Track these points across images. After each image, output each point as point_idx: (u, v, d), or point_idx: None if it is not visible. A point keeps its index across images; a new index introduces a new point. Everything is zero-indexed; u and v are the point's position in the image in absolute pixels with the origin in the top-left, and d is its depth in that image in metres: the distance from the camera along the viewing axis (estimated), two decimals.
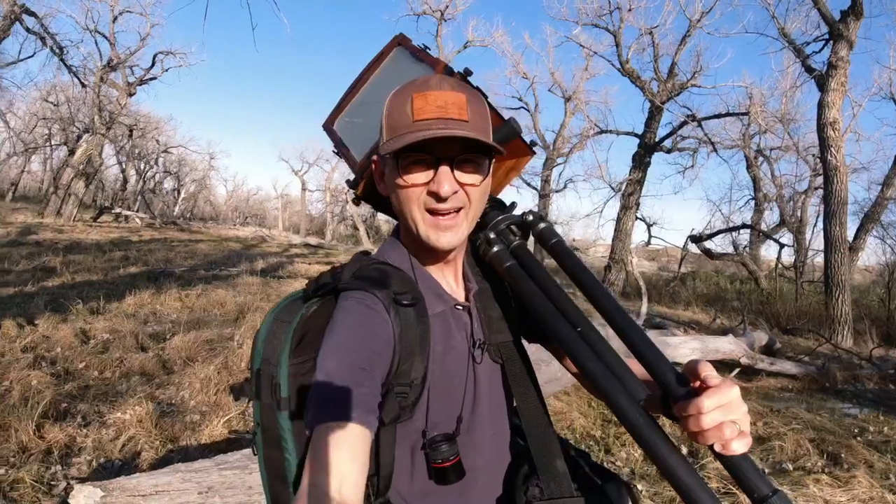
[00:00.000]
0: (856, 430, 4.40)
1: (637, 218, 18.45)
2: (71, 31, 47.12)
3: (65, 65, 19.22)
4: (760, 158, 19.97)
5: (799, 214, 19.55)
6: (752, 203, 21.15)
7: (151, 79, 22.79)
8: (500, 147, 0.97)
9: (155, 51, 22.95)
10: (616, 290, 16.25)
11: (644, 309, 7.44)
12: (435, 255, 1.06)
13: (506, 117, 1.18)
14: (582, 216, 29.83)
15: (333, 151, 1.31)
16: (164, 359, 4.42)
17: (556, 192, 27.15)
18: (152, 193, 33.62)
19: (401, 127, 0.93)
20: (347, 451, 0.76)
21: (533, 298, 1.00)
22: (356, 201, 1.27)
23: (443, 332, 1.03)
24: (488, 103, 1.10)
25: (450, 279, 1.10)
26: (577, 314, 0.96)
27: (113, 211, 23.34)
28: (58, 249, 10.22)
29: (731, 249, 19.12)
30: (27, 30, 18.64)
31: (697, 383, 0.79)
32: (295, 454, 0.93)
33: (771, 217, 21.09)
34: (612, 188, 19.87)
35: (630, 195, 17.90)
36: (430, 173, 0.95)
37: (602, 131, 21.50)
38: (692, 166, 19.70)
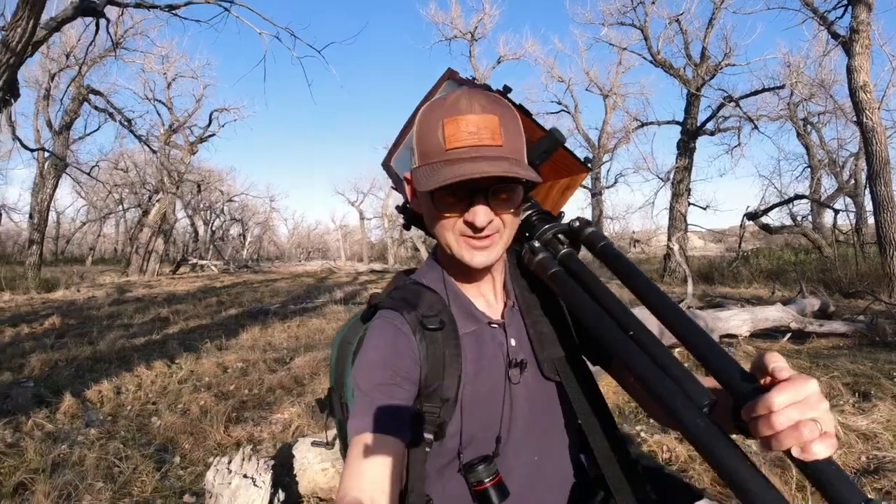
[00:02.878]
0: (895, 373, 4.57)
1: (689, 203, 18.56)
2: (131, 101, 49.86)
3: (134, 135, 20.77)
4: (809, 127, 19.96)
5: (853, 177, 19.44)
6: (809, 172, 21.12)
7: (210, 135, 24.37)
8: (536, 177, 0.94)
9: (211, 109, 24.58)
10: (677, 277, 16.49)
11: (690, 290, 7.72)
12: (470, 272, 1.05)
13: (548, 125, 1.18)
14: (636, 209, 29.88)
15: (392, 188, 1.27)
16: (294, 375, 5.23)
17: (607, 188, 27.52)
18: (221, 241, 35.33)
19: (433, 154, 0.93)
20: (379, 461, 0.82)
21: (579, 303, 0.94)
22: (406, 226, 1.26)
23: (475, 351, 1.03)
24: (528, 114, 1.15)
25: (488, 296, 1.10)
26: (628, 317, 0.89)
27: (189, 262, 24.89)
28: (159, 302, 11.35)
29: (790, 222, 19.11)
30: (95, 108, 20.26)
31: (767, 379, 0.69)
32: None
33: (830, 182, 20.99)
34: (660, 178, 20.15)
35: (679, 182, 18.13)
36: (465, 203, 0.95)
37: (643, 124, 21.84)
38: (738, 145, 19.73)
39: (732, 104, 17.25)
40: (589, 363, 1.14)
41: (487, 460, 0.98)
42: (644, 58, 19.63)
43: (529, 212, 1.15)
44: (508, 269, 1.14)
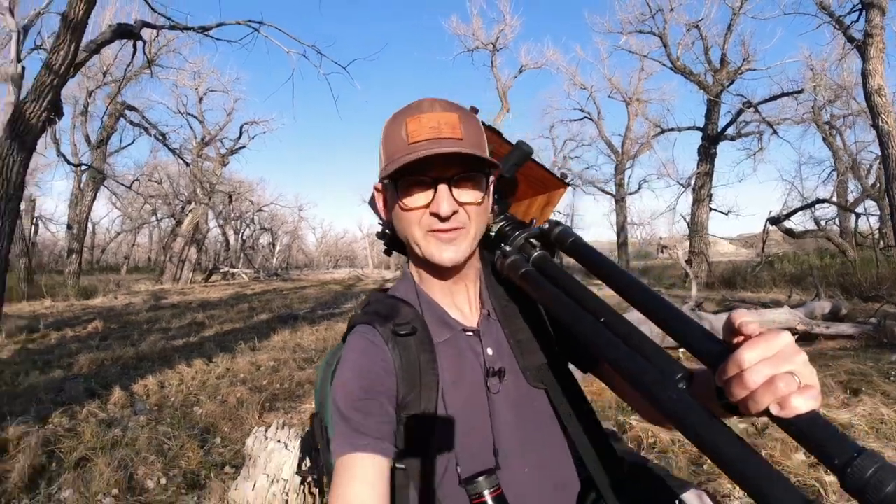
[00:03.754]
0: (893, 373, 4.70)
1: (711, 209, 18.67)
2: (165, 116, 51.22)
3: (168, 148, 21.56)
4: (833, 130, 19.93)
5: (878, 181, 19.33)
6: (835, 175, 21.06)
7: (241, 147, 25.08)
8: (494, 161, 0.96)
9: (241, 122, 25.31)
10: (700, 283, 16.55)
11: (693, 292, 7.89)
12: (441, 277, 1.05)
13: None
14: (657, 215, 29.98)
15: (380, 223, 1.20)
16: None
17: (631, 194, 27.65)
18: (251, 250, 36.12)
19: (397, 151, 0.94)
20: (363, 481, 0.80)
21: (550, 299, 0.94)
22: (388, 251, 1.25)
23: (451, 359, 1.02)
24: (498, 133, 1.16)
25: (462, 305, 1.08)
26: (600, 305, 0.87)
27: (221, 270, 25.58)
28: (194, 308, 11.89)
29: (814, 226, 19.07)
30: (130, 122, 21.10)
31: (741, 339, 0.66)
32: None
33: (857, 186, 20.88)
34: (681, 184, 20.29)
35: (701, 188, 18.27)
36: (430, 194, 0.95)
37: (664, 130, 22.01)
38: (760, 149, 19.78)
39: (751, 109, 17.37)
40: (578, 370, 1.13)
41: (489, 473, 0.95)
42: (664, 64, 19.85)
43: (503, 223, 1.13)
44: (483, 278, 1.12)
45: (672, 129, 21.79)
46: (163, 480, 3.24)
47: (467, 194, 0.97)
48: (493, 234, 1.13)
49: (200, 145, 23.75)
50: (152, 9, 11.05)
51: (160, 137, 21.41)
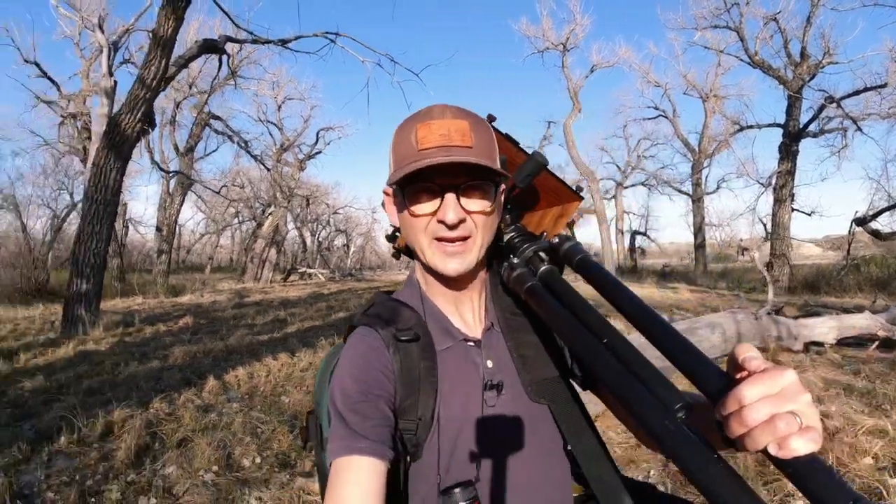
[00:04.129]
0: None
1: (793, 209, 18.02)
2: (246, 124, 53.37)
3: (250, 154, 22.56)
4: None
5: None
6: None
7: (317, 153, 25.98)
8: (503, 171, 0.95)
9: (317, 128, 26.23)
10: (781, 287, 16.08)
11: (770, 296, 7.58)
12: (446, 285, 1.04)
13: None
14: (737, 216, 29.09)
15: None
16: None
17: (709, 194, 26.91)
18: (327, 251, 37.08)
19: (406, 157, 0.93)
20: (358, 485, 0.79)
21: (554, 316, 0.91)
22: (396, 255, 1.26)
23: (451, 368, 1.01)
24: (514, 142, 1.16)
25: (466, 315, 1.07)
26: (604, 327, 0.85)
27: (298, 270, 26.48)
28: (276, 306, 12.46)
29: None
30: (215, 131, 22.22)
31: (744, 374, 0.63)
32: None
33: None
34: (761, 183, 19.67)
35: (782, 187, 17.68)
36: (437, 202, 0.94)
37: (742, 128, 21.36)
38: (845, 146, 18.81)
39: (834, 105, 16.65)
40: (578, 387, 1.11)
41: (466, 485, 0.91)
42: (741, 59, 19.30)
43: (512, 234, 1.12)
44: (490, 290, 1.11)
45: (751, 127, 21.02)
46: (257, 459, 3.56)
47: (475, 203, 0.95)
48: (502, 244, 1.11)
49: (279, 151, 24.74)
50: (235, 24, 11.70)
51: (243, 144, 22.46)
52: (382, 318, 1.02)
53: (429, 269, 1.02)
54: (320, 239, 37.15)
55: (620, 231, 33.79)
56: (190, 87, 21.02)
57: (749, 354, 0.63)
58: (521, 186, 1.14)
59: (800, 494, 2.66)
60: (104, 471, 3.42)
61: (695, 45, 21.30)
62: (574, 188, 1.29)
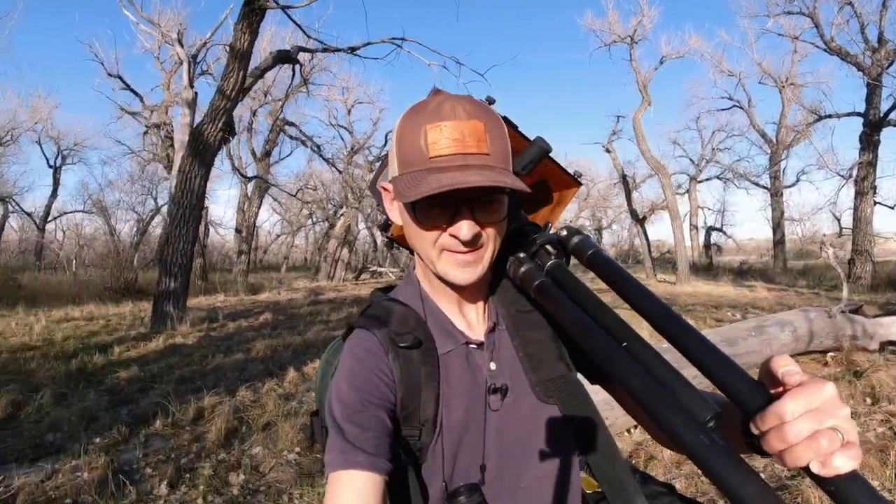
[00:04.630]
0: None
1: (875, 202, 17.24)
2: (318, 128, 54.86)
3: (322, 158, 23.34)
4: None
5: None
6: None
7: (386, 154, 26.51)
8: (524, 187, 0.86)
9: (386, 130, 26.83)
10: (864, 285, 15.56)
11: (844, 294, 7.29)
12: (451, 287, 0.98)
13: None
14: (815, 210, 27.72)
15: (380, 210, 1.13)
16: None
17: (788, 187, 26.03)
18: (397, 250, 37.56)
19: (414, 162, 0.85)
20: (355, 500, 0.77)
21: (567, 315, 0.87)
22: (389, 245, 1.24)
23: (453, 372, 0.97)
24: (513, 125, 1.08)
25: (469, 315, 1.03)
26: (622, 328, 0.80)
27: (369, 269, 27.13)
28: (349, 303, 12.94)
29: None
30: (289, 137, 23.08)
31: (780, 389, 0.60)
32: None
33: None
34: (841, 175, 18.91)
35: (863, 179, 16.93)
36: (449, 214, 0.88)
37: (821, 117, 20.56)
38: None
39: None
40: (587, 382, 1.06)
41: (472, 489, 0.91)
42: (817, 46, 18.65)
43: (514, 225, 1.06)
44: (492, 287, 1.06)
45: (830, 116, 20.11)
46: None
47: (490, 215, 0.89)
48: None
49: (350, 154, 25.44)
50: (307, 35, 12.17)
51: (315, 149, 23.29)
52: (381, 320, 0.97)
53: (433, 273, 0.96)
54: None
55: (695, 227, 32.95)
56: (265, 96, 21.92)
57: (788, 368, 0.60)
58: (524, 174, 1.07)
59: None
60: (197, 450, 3.80)
61: (768, 32, 20.69)
62: (573, 174, 1.24)
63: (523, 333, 1.02)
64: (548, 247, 1.00)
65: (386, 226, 1.19)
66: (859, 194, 17.13)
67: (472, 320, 1.02)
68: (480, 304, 1.04)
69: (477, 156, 0.84)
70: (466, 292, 1.00)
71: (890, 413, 4.00)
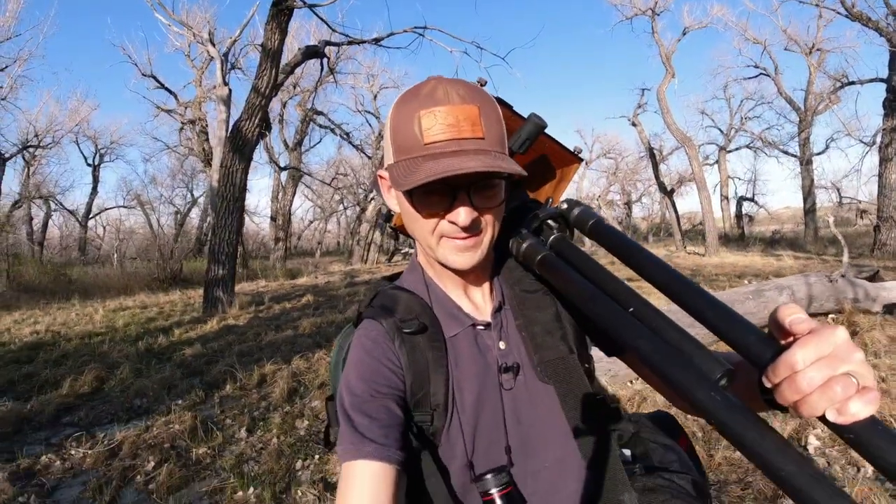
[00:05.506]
0: None
1: None
2: (345, 115, 55.42)
3: (352, 144, 23.99)
4: None
5: None
6: None
7: None
8: (521, 171, 0.84)
9: None
10: (889, 251, 15.52)
11: (845, 259, 7.43)
12: (454, 271, 0.97)
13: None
14: (840, 178, 27.25)
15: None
16: None
17: (817, 154, 25.74)
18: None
19: (410, 149, 0.84)
20: (367, 490, 0.77)
21: (572, 287, 0.86)
22: (395, 235, 1.71)
23: (463, 355, 0.96)
24: (507, 104, 1.08)
25: (474, 297, 1.01)
26: (628, 294, 0.80)
27: (401, 251, 27.80)
28: None
29: None
30: (319, 126, 23.75)
31: (790, 339, 0.58)
32: None
33: None
34: (864, 142, 18.83)
35: (888, 145, 16.57)
36: (446, 201, 0.87)
37: (843, 84, 20.46)
38: None
39: None
40: (603, 353, 1.07)
41: (500, 470, 0.91)
42: (838, 12, 18.49)
43: (515, 203, 1.08)
44: (495, 266, 1.05)
45: (853, 83, 19.98)
46: None
47: (487, 199, 0.89)
48: (505, 215, 1.00)
49: (378, 139, 25.97)
50: (332, 29, 12.71)
51: (344, 136, 23.91)
52: (386, 308, 0.96)
53: (436, 260, 0.96)
54: None
55: (725, 198, 32.76)
56: (294, 87, 22.60)
57: (795, 316, 0.58)
58: (520, 153, 1.07)
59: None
60: (265, 406, 4.50)
61: (788, 0, 20.49)
62: (573, 150, 1.23)
63: (527, 313, 1.01)
64: (550, 222, 1.01)
65: (389, 216, 1.19)
66: (884, 161, 16.86)
67: (477, 302, 1.01)
68: (485, 285, 1.03)
69: (472, 140, 0.84)
70: (470, 275, 1.00)
71: (874, 366, 4.39)
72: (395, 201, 0.96)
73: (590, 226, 0.94)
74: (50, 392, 5.16)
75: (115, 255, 26.59)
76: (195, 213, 33.29)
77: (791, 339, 0.58)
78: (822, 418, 0.54)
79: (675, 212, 23.66)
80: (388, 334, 0.92)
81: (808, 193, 24.75)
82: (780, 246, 21.54)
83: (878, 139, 17.49)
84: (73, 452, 3.76)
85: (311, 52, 12.31)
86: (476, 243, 0.90)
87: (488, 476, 0.89)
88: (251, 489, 3.07)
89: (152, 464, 3.50)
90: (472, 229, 0.89)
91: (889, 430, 0.52)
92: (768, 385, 0.58)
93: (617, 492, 0.93)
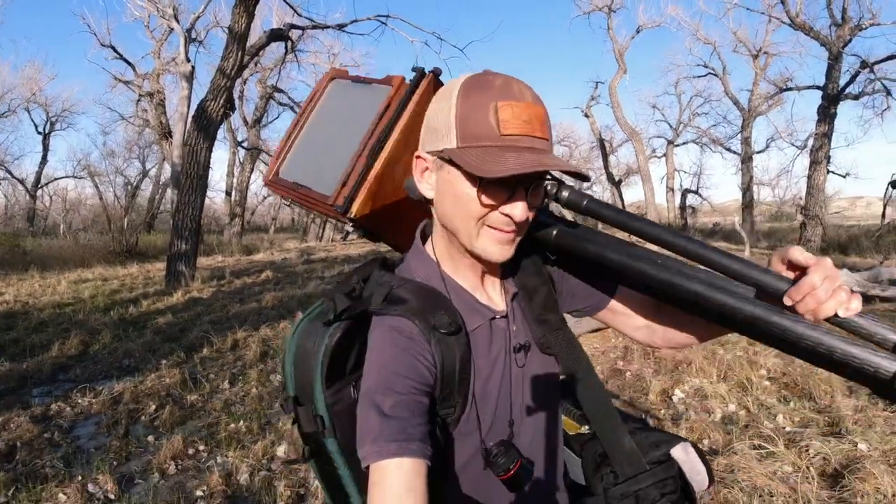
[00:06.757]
0: None
1: (829, 171, 18.17)
2: (305, 92, 54.91)
3: None
4: None
5: None
6: None
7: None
8: (587, 173, 0.89)
9: None
10: (813, 247, 16.52)
11: (747, 254, 8.50)
12: (474, 266, 0.98)
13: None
14: (775, 178, 28.43)
15: (286, 204, 1.36)
16: None
17: (758, 153, 26.79)
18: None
19: (484, 137, 0.84)
20: (406, 488, 0.77)
21: (599, 251, 0.95)
22: (357, 229, 1.19)
23: (483, 346, 0.98)
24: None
25: (489, 287, 1.03)
26: (646, 253, 0.91)
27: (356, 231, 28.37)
28: (340, 262, 14.26)
29: None
30: (279, 103, 24.01)
31: (797, 272, 0.82)
32: (346, 468, 0.95)
33: None
34: (796, 146, 19.71)
35: (818, 149, 17.70)
36: (506, 193, 0.87)
37: (781, 90, 21.54)
38: (888, 108, 18.69)
39: (867, 70, 16.81)
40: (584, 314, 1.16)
41: (507, 447, 0.94)
42: (782, 21, 19.28)
43: None
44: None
45: (790, 89, 21.34)
46: None
47: (536, 198, 0.92)
48: None
49: None
50: (297, 13, 13.21)
51: None
52: (411, 304, 0.92)
53: (459, 247, 0.95)
54: None
55: (671, 189, 33.79)
56: (255, 65, 22.76)
57: (801, 256, 0.81)
58: None
59: None
60: (241, 365, 5.26)
61: (738, 6, 21.43)
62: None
63: (531, 293, 1.05)
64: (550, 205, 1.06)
65: (347, 209, 1.14)
66: (814, 163, 17.92)
67: (491, 293, 1.02)
68: (498, 273, 1.04)
69: (541, 139, 0.86)
70: (493, 266, 1.00)
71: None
72: (427, 186, 0.95)
73: (584, 205, 0.99)
74: (41, 354, 5.74)
75: (62, 227, 26.43)
76: (145, 186, 33.06)
77: (798, 272, 0.82)
78: (834, 317, 0.76)
79: (622, 201, 24.76)
80: (424, 333, 0.90)
81: (747, 189, 25.95)
82: (718, 238, 22.80)
83: (810, 143, 18.48)
84: (79, 401, 4.43)
85: (276, 35, 12.78)
86: (515, 238, 0.92)
87: (500, 456, 0.93)
88: (241, 422, 3.84)
89: (153, 407, 4.24)
90: (520, 224, 0.90)
91: (875, 317, 0.76)
92: (789, 303, 0.79)
93: (618, 437, 1.06)
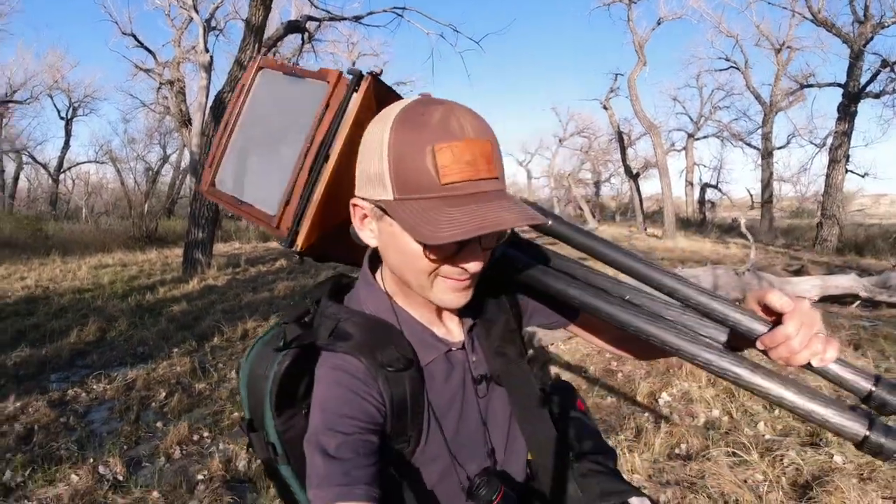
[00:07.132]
0: None
1: (847, 171, 17.92)
2: None
3: None
4: None
5: None
6: None
7: None
8: (547, 220, 0.89)
9: (390, 83, 27.88)
10: (829, 247, 16.44)
11: (752, 255, 8.28)
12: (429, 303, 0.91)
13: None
14: (795, 174, 28.04)
15: (228, 216, 1.25)
16: None
17: (778, 149, 26.12)
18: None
19: (424, 188, 0.76)
20: None
21: (562, 288, 0.90)
22: (301, 259, 1.07)
23: (440, 378, 0.94)
24: (398, 95, 1.06)
25: (447, 319, 0.98)
26: (616, 285, 0.88)
27: None
28: None
29: None
30: None
31: (774, 317, 0.80)
32: (302, 493, 0.92)
33: None
34: (815, 144, 19.42)
35: (837, 148, 17.48)
36: (456, 245, 0.81)
37: (802, 87, 21.24)
38: None
39: (887, 69, 16.55)
40: (545, 329, 1.15)
41: (488, 477, 0.92)
42: (804, 17, 18.94)
43: None
44: None
45: (811, 86, 21.01)
46: None
47: (492, 241, 0.85)
48: None
49: None
50: (313, 4, 13.33)
51: None
52: (358, 339, 0.87)
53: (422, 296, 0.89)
54: None
55: (690, 183, 33.44)
56: (273, 55, 22.95)
57: (782, 301, 0.77)
58: None
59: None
60: None
61: (760, 0, 21.01)
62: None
63: (487, 324, 1.01)
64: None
65: (292, 243, 1.03)
66: (832, 162, 17.65)
67: (449, 325, 0.98)
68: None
69: (489, 181, 0.77)
70: None
71: None
72: (369, 233, 0.87)
73: (549, 226, 0.99)
74: (59, 340, 5.97)
75: (85, 210, 26.85)
76: (167, 171, 33.45)
77: (775, 317, 0.79)
78: (808, 365, 0.76)
79: (639, 195, 24.65)
80: (370, 371, 0.85)
81: (767, 185, 25.63)
82: (735, 234, 22.59)
83: (829, 141, 18.23)
84: (94, 387, 4.66)
85: (293, 27, 12.92)
86: (472, 284, 0.87)
87: (482, 488, 0.90)
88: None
89: (163, 394, 4.45)
90: (476, 273, 0.85)
91: (847, 363, 0.78)
92: (761, 348, 0.79)
93: (565, 483, 1.00)
